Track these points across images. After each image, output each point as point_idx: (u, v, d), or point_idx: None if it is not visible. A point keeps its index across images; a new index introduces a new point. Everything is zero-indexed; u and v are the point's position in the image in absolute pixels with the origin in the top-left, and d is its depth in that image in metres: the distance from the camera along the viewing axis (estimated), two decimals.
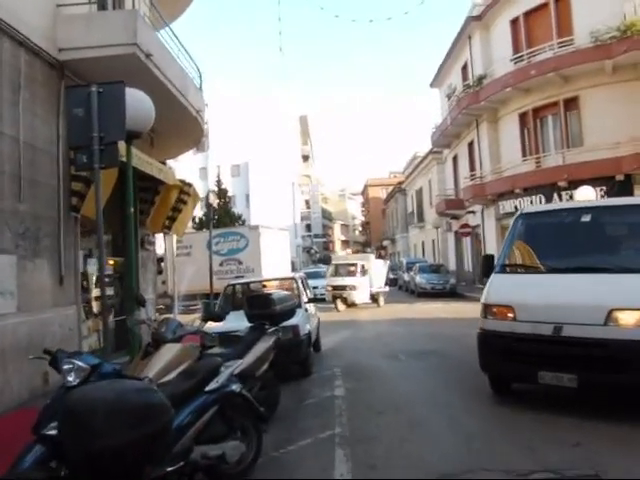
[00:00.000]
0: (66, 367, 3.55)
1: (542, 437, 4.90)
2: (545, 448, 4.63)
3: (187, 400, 3.86)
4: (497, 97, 24.03)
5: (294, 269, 32.90)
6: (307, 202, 70.35)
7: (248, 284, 11.75)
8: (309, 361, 8.58)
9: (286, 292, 8.44)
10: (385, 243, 69.89)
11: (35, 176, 7.06)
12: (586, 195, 7.98)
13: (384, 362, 9.41)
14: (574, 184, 18.04)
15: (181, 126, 11.21)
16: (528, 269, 6.44)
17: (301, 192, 65.50)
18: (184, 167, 35.44)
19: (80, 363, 3.56)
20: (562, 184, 20.09)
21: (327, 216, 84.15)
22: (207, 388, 4.02)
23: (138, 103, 6.93)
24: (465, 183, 28.70)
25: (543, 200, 20.45)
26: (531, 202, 21.42)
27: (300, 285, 9.94)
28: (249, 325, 6.42)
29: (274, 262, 20.27)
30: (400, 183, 57.77)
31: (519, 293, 6.00)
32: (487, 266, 6.79)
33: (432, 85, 36.56)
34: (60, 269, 7.52)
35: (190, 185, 11.80)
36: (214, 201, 25.41)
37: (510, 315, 5.80)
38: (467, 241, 30.18)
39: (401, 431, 5.43)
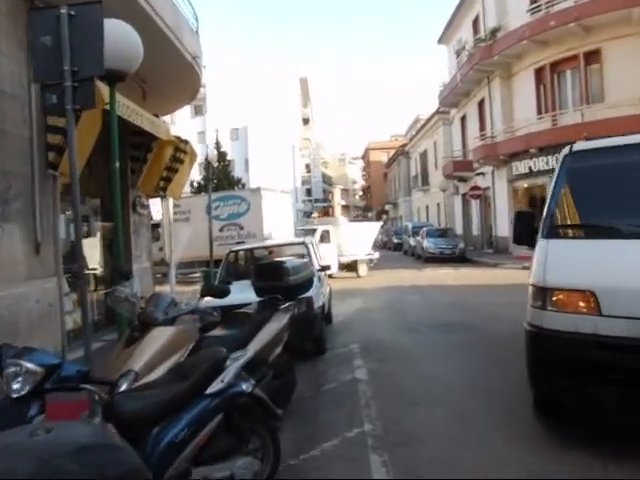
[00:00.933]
0: (11, 370, 2.52)
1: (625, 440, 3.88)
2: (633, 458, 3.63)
3: (182, 407, 2.88)
4: (512, 51, 22.74)
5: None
6: (307, 166, 68.74)
7: (252, 250, 10.73)
8: (323, 337, 7.63)
9: (301, 260, 7.42)
10: (387, 207, 68.73)
11: (1, 125, 5.95)
12: None
13: (405, 337, 8.46)
14: None
15: (175, 74, 10.04)
16: (604, 232, 4.12)
17: (301, 156, 63.93)
18: (182, 130, 34.10)
19: (30, 365, 2.52)
20: None
21: (327, 181, 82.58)
22: (209, 390, 2.99)
23: (122, 36, 5.82)
24: (475, 144, 27.53)
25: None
26: (547, 163, 20.38)
27: (312, 251, 8.91)
28: (258, 300, 5.43)
29: (277, 227, 19.20)
30: (403, 146, 56.42)
31: (600, 270, 3.84)
32: (523, 227, 4.67)
33: (440, 41, 35.01)
34: (36, 235, 6.45)
35: (186, 142, 10.62)
36: (214, 160, 23.94)
37: (589, 306, 3.71)
38: (475, 204, 29.12)
39: (447, 430, 4.43)
